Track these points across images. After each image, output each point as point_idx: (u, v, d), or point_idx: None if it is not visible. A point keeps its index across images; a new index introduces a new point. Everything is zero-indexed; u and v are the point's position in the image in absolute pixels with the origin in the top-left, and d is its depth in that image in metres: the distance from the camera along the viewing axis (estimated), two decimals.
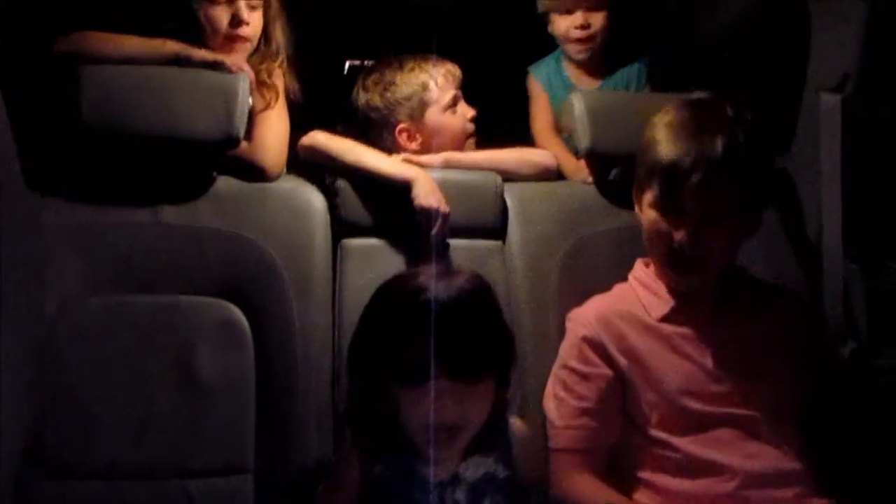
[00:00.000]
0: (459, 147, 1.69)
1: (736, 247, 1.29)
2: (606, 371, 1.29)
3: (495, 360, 1.15)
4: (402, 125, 1.67)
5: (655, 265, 1.34)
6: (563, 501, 1.27)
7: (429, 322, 1.09)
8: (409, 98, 1.67)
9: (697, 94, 1.34)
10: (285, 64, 1.67)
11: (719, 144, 1.20)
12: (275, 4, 1.63)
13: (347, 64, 2.06)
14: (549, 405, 1.33)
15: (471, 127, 1.71)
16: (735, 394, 1.26)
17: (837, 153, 1.48)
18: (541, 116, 1.89)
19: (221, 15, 1.56)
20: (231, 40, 1.58)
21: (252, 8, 1.59)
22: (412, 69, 1.68)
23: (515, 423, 1.25)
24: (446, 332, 1.09)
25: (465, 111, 1.71)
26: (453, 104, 1.69)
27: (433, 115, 1.68)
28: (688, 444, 1.25)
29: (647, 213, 1.29)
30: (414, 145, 1.67)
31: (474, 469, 1.18)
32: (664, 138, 1.25)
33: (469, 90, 1.74)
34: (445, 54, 1.73)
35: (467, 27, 2.00)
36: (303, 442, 1.35)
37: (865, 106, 1.46)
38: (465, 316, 1.12)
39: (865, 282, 1.49)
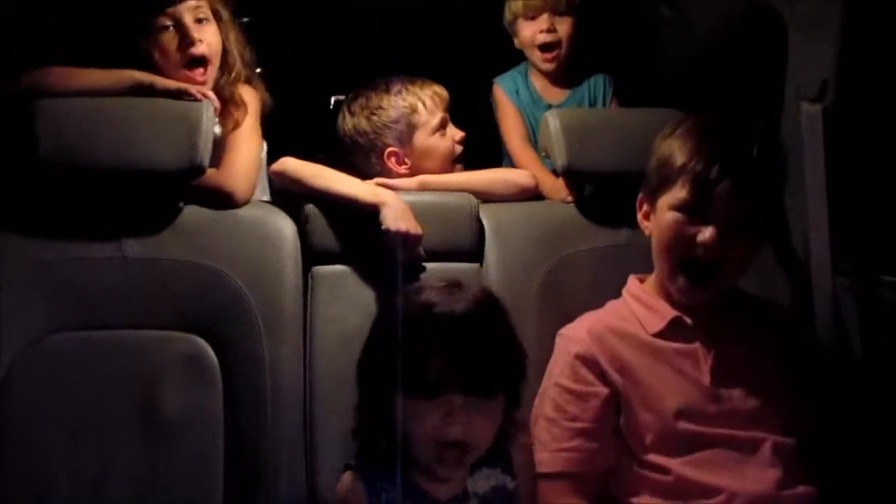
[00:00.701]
0: (448, 170, 1.66)
1: (750, 260, 1.27)
2: (601, 389, 1.25)
3: (508, 377, 1.14)
4: (390, 149, 1.65)
5: (665, 274, 1.29)
6: None
7: (443, 333, 1.10)
8: (396, 121, 1.65)
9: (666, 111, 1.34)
10: (253, 79, 1.64)
11: (753, 152, 1.22)
12: (224, 16, 1.58)
13: (333, 99, 2.06)
14: (539, 427, 1.28)
15: (459, 149, 1.69)
16: (733, 414, 1.23)
17: (821, 163, 1.47)
18: (514, 132, 1.88)
19: (170, 40, 1.51)
20: (191, 66, 1.53)
21: (199, 21, 1.53)
22: (399, 92, 1.66)
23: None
24: (460, 343, 1.09)
25: (454, 133, 1.69)
26: (442, 126, 1.67)
27: (422, 138, 1.66)
28: (681, 467, 1.21)
29: (666, 216, 1.25)
30: (403, 169, 1.65)
31: (484, 482, 1.17)
32: (695, 143, 1.24)
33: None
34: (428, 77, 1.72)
35: (444, 49, 1.99)
36: (274, 479, 1.31)
37: (847, 114, 1.44)
38: (478, 328, 1.11)
39: (856, 295, 1.46)
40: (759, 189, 1.22)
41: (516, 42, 1.90)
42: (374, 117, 1.65)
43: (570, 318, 1.36)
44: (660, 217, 1.27)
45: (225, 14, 1.59)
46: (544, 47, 1.85)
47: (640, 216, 1.33)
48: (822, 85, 1.44)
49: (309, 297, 1.45)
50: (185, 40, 1.51)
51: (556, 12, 1.81)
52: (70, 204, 1.43)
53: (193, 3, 1.53)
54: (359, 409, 1.18)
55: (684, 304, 1.28)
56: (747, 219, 1.21)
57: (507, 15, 1.88)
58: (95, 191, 1.43)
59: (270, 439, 1.32)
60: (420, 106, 1.65)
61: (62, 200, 1.43)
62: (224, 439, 1.32)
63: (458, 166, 1.70)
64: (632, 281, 1.37)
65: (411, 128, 1.65)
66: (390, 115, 1.65)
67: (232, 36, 1.60)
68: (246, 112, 1.58)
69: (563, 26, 1.82)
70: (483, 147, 1.89)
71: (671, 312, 1.29)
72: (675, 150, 1.25)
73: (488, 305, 1.15)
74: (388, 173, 1.63)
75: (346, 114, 1.69)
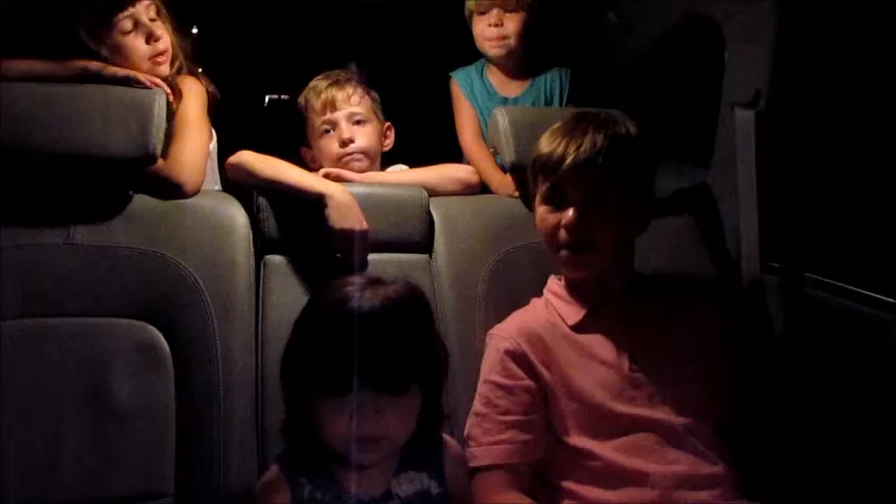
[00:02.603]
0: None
1: (618, 232, 1.32)
2: (530, 383, 1.29)
3: (420, 373, 1.13)
4: (303, 148, 1.75)
5: (554, 262, 1.37)
6: None
7: (351, 332, 1.07)
8: (301, 124, 1.75)
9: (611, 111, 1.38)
10: (195, 71, 1.65)
11: (588, 139, 1.30)
12: (164, 11, 1.61)
13: (267, 98, 2.07)
14: (471, 423, 1.31)
15: (341, 151, 1.70)
16: (652, 397, 1.29)
17: (753, 166, 1.53)
18: (466, 128, 1.91)
19: (139, 44, 1.55)
20: (154, 63, 1.56)
21: (152, 20, 1.57)
22: (304, 94, 1.74)
23: (449, 441, 1.24)
24: (368, 342, 1.07)
25: (340, 135, 1.70)
26: (328, 129, 1.71)
27: (314, 140, 1.74)
28: (609, 452, 1.26)
29: (538, 211, 1.36)
30: (315, 166, 1.71)
31: (408, 485, 1.16)
32: (545, 140, 1.35)
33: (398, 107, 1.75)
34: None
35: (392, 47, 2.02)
36: (225, 466, 1.31)
37: (778, 119, 1.51)
38: (387, 326, 1.10)
39: (783, 291, 1.53)
40: (603, 167, 1.28)
41: (474, 36, 1.93)
42: (295, 118, 1.75)
43: (516, 308, 1.40)
44: (536, 214, 1.37)
45: (164, 10, 1.61)
46: (493, 39, 1.89)
47: (535, 218, 1.39)
48: (756, 92, 1.50)
49: (261, 285, 1.46)
50: (150, 37, 1.56)
51: (504, 8, 1.86)
52: (18, 190, 1.41)
53: (146, 2, 1.56)
54: (284, 404, 1.18)
55: (578, 280, 1.35)
56: (599, 194, 1.29)
57: (466, 12, 1.93)
58: (45, 177, 1.41)
59: (222, 426, 1.32)
60: (308, 109, 1.73)
61: (10, 186, 1.40)
62: (175, 426, 1.32)
63: (354, 163, 1.70)
64: (552, 279, 1.42)
65: (308, 129, 1.74)
66: (297, 114, 1.74)
67: (172, 29, 1.62)
68: (194, 105, 1.59)
69: (512, 22, 1.87)
70: (446, 142, 1.93)
71: (587, 304, 1.35)
72: (539, 147, 1.35)
73: (404, 301, 1.13)
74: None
75: None
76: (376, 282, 1.15)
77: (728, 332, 1.38)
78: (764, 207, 1.53)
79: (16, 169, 1.40)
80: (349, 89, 1.71)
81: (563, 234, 1.31)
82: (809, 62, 1.46)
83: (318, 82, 1.73)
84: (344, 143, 1.69)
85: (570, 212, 1.29)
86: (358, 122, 1.71)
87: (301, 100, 1.75)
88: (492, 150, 1.70)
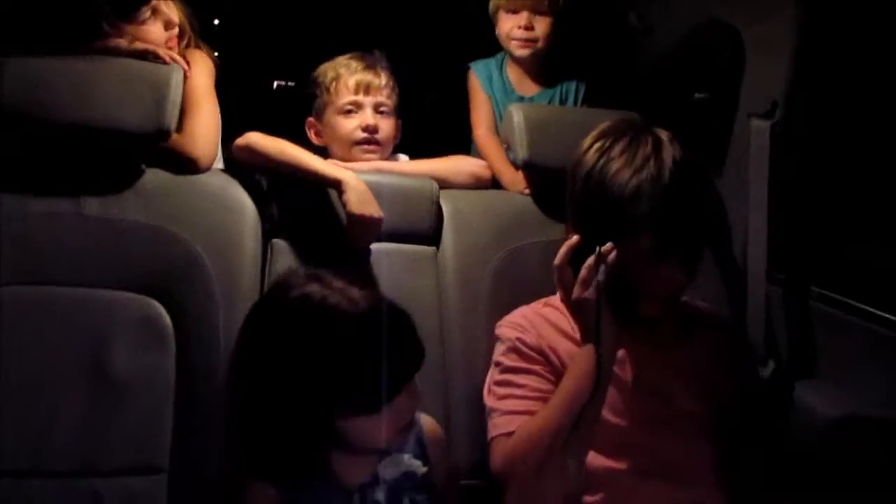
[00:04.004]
0: (349, 154, 1.68)
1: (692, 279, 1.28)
2: (545, 366, 1.28)
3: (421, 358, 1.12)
4: (309, 119, 1.72)
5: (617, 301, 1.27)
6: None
7: (370, 338, 1.03)
8: (317, 95, 1.71)
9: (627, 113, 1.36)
10: (201, 45, 1.64)
11: (676, 176, 1.21)
12: None
13: (275, 84, 2.06)
14: (492, 400, 1.29)
15: (360, 136, 1.67)
16: (654, 417, 1.26)
17: (765, 177, 1.52)
18: (481, 121, 1.90)
19: (156, 30, 1.53)
20: (169, 47, 1.55)
21: (165, 1, 1.55)
22: (333, 67, 1.70)
23: (425, 419, 1.23)
24: (390, 341, 1.03)
25: (364, 119, 1.67)
26: (350, 110, 1.68)
27: (329, 116, 1.70)
28: (602, 462, 1.24)
29: (628, 264, 1.23)
30: (319, 142, 1.71)
31: (393, 468, 1.16)
32: (617, 181, 1.22)
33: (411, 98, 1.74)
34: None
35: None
36: (221, 444, 1.30)
37: (793, 132, 1.51)
38: (393, 315, 1.08)
39: (787, 304, 1.53)
40: (696, 214, 1.23)
41: (496, 32, 1.92)
42: (310, 87, 1.71)
43: (520, 306, 1.39)
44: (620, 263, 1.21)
45: None
46: (520, 40, 1.87)
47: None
48: (773, 103, 1.50)
49: (267, 268, 1.46)
50: (168, 24, 1.54)
51: (536, 11, 1.84)
52: (30, 159, 1.41)
53: None
54: (253, 426, 1.09)
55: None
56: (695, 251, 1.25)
57: (491, 5, 1.91)
58: (57, 147, 1.41)
59: (221, 404, 1.31)
60: (334, 84, 1.68)
61: (23, 154, 1.41)
62: (173, 402, 1.32)
63: (363, 154, 1.68)
64: None
65: (324, 103, 1.70)
66: (316, 88, 1.70)
67: (175, 6, 1.61)
68: (204, 80, 1.58)
69: (542, 25, 1.85)
70: (455, 132, 1.92)
71: None
72: (604, 189, 1.22)
73: (385, 299, 1.10)
74: (311, 146, 1.65)
75: None
76: (328, 277, 1.08)
77: (735, 354, 1.37)
78: (774, 219, 1.52)
79: (30, 138, 1.40)
80: (384, 78, 1.70)
81: (658, 287, 1.24)
82: (828, 74, 1.46)
83: (352, 61, 1.70)
84: (367, 130, 1.67)
85: (679, 273, 1.21)
86: (381, 113, 1.70)
87: (326, 72, 1.71)
88: (505, 145, 1.70)
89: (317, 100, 1.71)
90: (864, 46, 1.42)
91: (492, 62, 1.96)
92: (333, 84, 1.68)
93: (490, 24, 1.93)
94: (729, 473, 1.29)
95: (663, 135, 1.25)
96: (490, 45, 1.96)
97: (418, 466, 1.17)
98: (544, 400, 1.25)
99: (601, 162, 1.24)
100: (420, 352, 1.10)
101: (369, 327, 1.04)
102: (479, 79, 1.94)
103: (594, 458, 1.25)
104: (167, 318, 1.36)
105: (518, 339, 1.30)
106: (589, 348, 1.21)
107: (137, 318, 1.35)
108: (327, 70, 1.70)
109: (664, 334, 1.32)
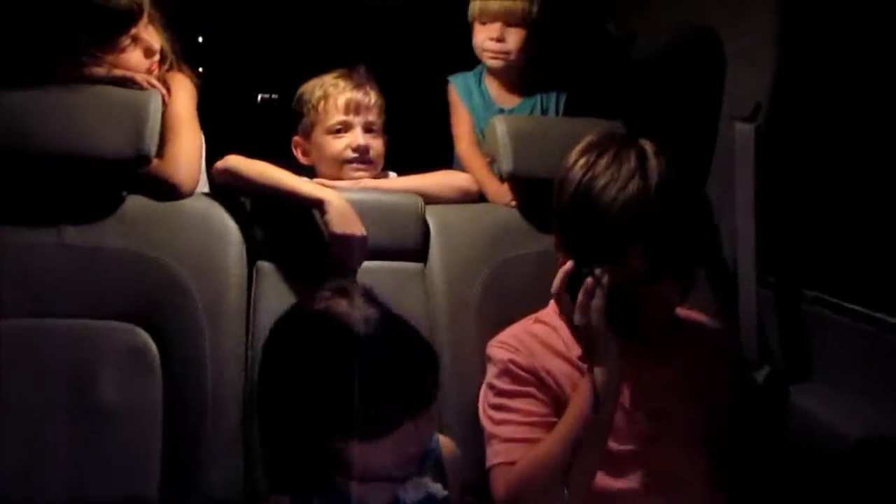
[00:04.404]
0: (339, 172, 1.66)
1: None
2: (539, 387, 1.27)
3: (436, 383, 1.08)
4: (296, 138, 1.70)
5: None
6: None
7: (382, 361, 1.00)
8: (305, 114, 1.69)
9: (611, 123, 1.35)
10: (183, 67, 1.62)
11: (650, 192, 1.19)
12: (153, 14, 1.56)
13: (259, 97, 2.06)
14: (491, 426, 1.28)
15: (350, 155, 1.66)
16: (653, 436, 1.25)
17: (751, 180, 1.51)
18: (463, 134, 1.90)
19: (136, 57, 1.51)
20: (149, 72, 1.53)
21: (145, 27, 1.53)
22: (318, 85, 1.68)
23: (443, 440, 1.21)
24: (400, 366, 1.01)
25: (353, 139, 1.66)
26: (340, 129, 1.67)
27: (318, 135, 1.68)
28: (602, 483, 1.23)
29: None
30: (306, 161, 1.69)
31: (414, 492, 1.13)
32: (613, 209, 1.20)
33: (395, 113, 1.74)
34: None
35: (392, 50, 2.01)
36: (211, 473, 1.30)
37: (777, 134, 1.50)
38: (409, 348, 1.05)
39: (779, 307, 1.52)
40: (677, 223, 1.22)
41: (473, 42, 1.91)
42: (296, 105, 1.69)
43: (510, 320, 1.38)
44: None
45: (154, 11, 1.56)
46: (492, 52, 1.87)
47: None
48: (756, 106, 1.49)
49: (253, 291, 1.44)
50: (148, 51, 1.52)
51: (508, 23, 1.83)
52: (8, 188, 1.40)
53: (143, 19, 1.52)
54: (275, 442, 1.08)
55: None
56: (687, 265, 1.24)
57: (469, 16, 1.90)
58: (37, 176, 1.40)
59: (209, 432, 1.31)
60: (322, 103, 1.67)
61: (1, 185, 1.39)
62: (162, 431, 1.31)
63: (354, 172, 1.67)
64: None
65: (312, 123, 1.68)
66: (303, 106, 1.68)
67: (155, 28, 1.58)
68: (185, 104, 1.57)
69: (514, 37, 1.84)
70: (435, 146, 1.92)
71: None
72: (612, 213, 1.19)
73: (397, 316, 1.06)
74: (297, 163, 1.65)
75: None
76: (346, 294, 1.05)
77: (730, 361, 1.36)
78: (761, 221, 1.51)
79: (8, 167, 1.39)
80: (373, 97, 1.68)
81: (653, 306, 1.22)
82: (810, 75, 1.45)
83: (339, 80, 1.68)
84: (358, 150, 1.66)
85: (667, 285, 1.20)
86: (371, 132, 1.68)
87: (313, 91, 1.69)
88: (488, 159, 1.69)
89: (303, 118, 1.69)
90: (846, 43, 1.42)
91: (470, 75, 1.95)
92: (322, 103, 1.66)
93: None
94: (729, 482, 1.27)
95: (648, 147, 1.23)
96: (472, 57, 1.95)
97: (439, 490, 1.14)
98: (542, 424, 1.23)
99: (587, 178, 1.22)
100: (432, 387, 1.06)
101: (374, 353, 1.00)
102: (458, 92, 1.93)
103: (600, 481, 1.23)
104: (153, 346, 1.35)
105: (510, 360, 1.29)
106: (594, 374, 1.19)
107: (122, 346, 1.34)
108: (314, 88, 1.68)
109: (658, 350, 1.30)
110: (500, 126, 1.59)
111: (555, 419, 1.24)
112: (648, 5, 1.79)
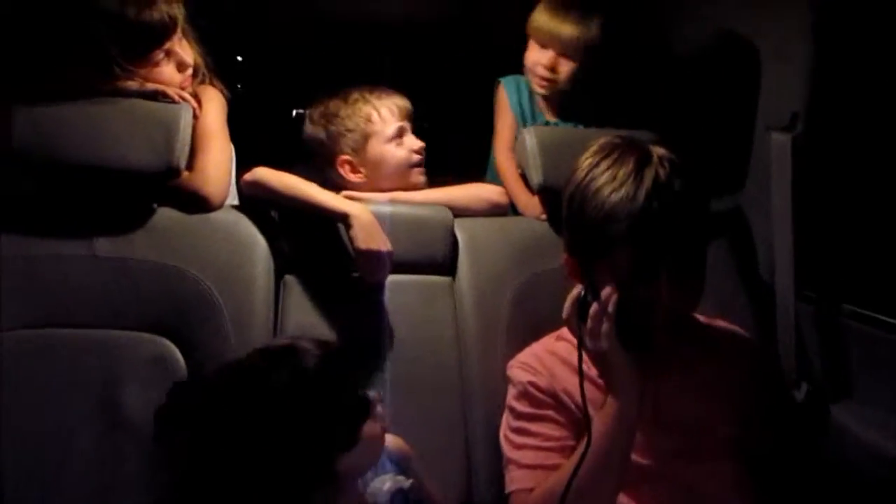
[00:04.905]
0: (405, 179, 1.66)
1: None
2: (559, 413, 1.24)
3: None
4: (343, 157, 1.66)
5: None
6: None
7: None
8: (352, 130, 1.66)
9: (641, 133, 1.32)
10: (214, 81, 1.64)
11: (678, 201, 1.17)
12: (186, 28, 1.57)
13: (294, 112, 2.07)
14: (509, 450, 1.26)
15: (416, 158, 1.68)
16: (679, 448, 1.21)
17: (788, 192, 1.48)
18: (504, 142, 1.84)
19: (169, 71, 1.53)
20: (182, 87, 1.55)
21: (179, 41, 1.54)
22: (356, 101, 1.67)
23: (388, 439, 1.20)
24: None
25: (412, 143, 1.68)
26: (398, 136, 1.67)
27: (376, 147, 1.66)
28: (630, 500, 1.20)
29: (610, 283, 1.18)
30: (357, 178, 1.66)
31: (383, 492, 1.15)
32: (621, 203, 1.17)
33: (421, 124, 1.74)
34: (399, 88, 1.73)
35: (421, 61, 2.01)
36: None
37: (816, 144, 1.47)
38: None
39: (819, 323, 1.48)
40: (694, 223, 1.19)
41: (525, 55, 1.84)
42: (331, 126, 1.66)
43: (540, 334, 1.36)
44: (601, 282, 1.18)
45: (187, 26, 1.57)
46: (541, 76, 1.80)
47: (568, 272, 1.27)
48: (793, 116, 1.46)
49: (280, 304, 1.44)
50: (181, 66, 1.54)
51: (563, 53, 1.77)
52: (42, 200, 1.42)
53: (176, 33, 1.53)
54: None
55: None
56: (693, 273, 1.19)
57: (528, 26, 1.81)
58: (68, 188, 1.42)
59: None
60: (375, 115, 1.66)
61: (34, 196, 1.42)
62: None
63: (417, 173, 1.68)
64: None
65: (365, 137, 1.66)
66: (346, 123, 1.66)
67: (189, 42, 1.60)
68: (216, 117, 1.58)
69: (566, 67, 1.78)
70: (470, 153, 1.91)
71: None
72: (592, 196, 1.18)
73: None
74: (343, 181, 1.64)
75: (308, 122, 1.71)
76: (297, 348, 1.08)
77: (766, 373, 1.32)
78: (799, 234, 1.47)
79: (42, 180, 1.42)
80: (409, 105, 1.71)
81: (648, 312, 1.18)
82: (848, 84, 1.42)
83: (374, 91, 1.68)
84: (419, 152, 1.68)
85: (664, 288, 1.14)
86: (416, 134, 1.71)
87: (357, 106, 1.67)
88: (519, 170, 1.67)
89: (348, 135, 1.66)
90: (885, 46, 1.38)
91: (522, 80, 1.88)
92: (375, 115, 1.66)
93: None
94: (764, 501, 1.23)
95: (656, 153, 1.20)
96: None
97: (402, 481, 1.18)
98: (560, 449, 1.22)
99: (586, 179, 1.21)
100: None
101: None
102: (507, 95, 1.87)
103: (620, 497, 1.20)
104: (179, 357, 1.35)
105: (530, 382, 1.27)
106: (612, 401, 1.17)
107: (150, 357, 1.34)
108: (357, 103, 1.67)
109: (681, 361, 1.27)
110: (529, 137, 1.57)
111: (573, 442, 1.22)
112: (680, 13, 1.76)
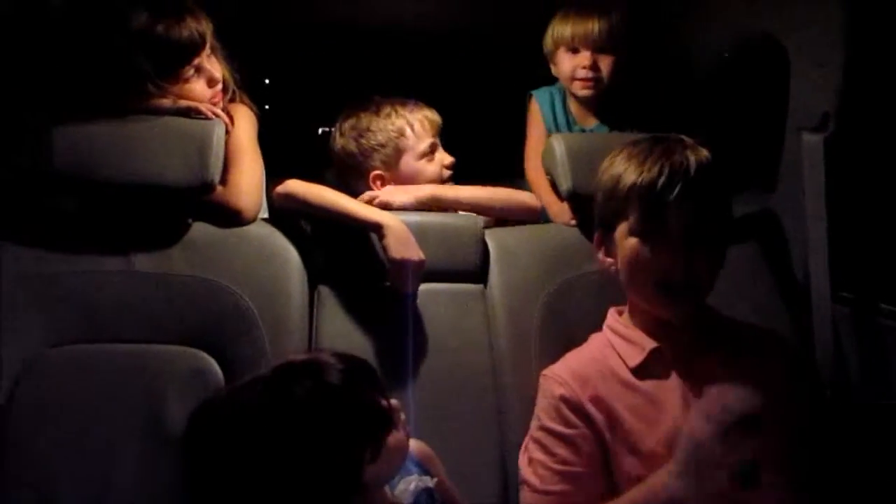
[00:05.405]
0: None
1: (715, 273, 1.25)
2: (587, 432, 1.22)
3: None
4: (375, 171, 1.67)
5: (645, 301, 1.27)
6: None
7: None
8: (384, 145, 1.67)
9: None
10: (244, 98, 1.65)
11: (692, 160, 1.22)
12: (216, 45, 1.59)
13: (320, 130, 2.09)
14: (526, 466, 1.26)
15: (447, 174, 1.69)
16: None
17: (821, 192, 1.47)
18: (535, 152, 1.81)
19: (200, 87, 1.54)
20: (212, 103, 1.56)
21: (208, 57, 1.56)
22: (388, 115, 1.68)
23: (413, 443, 1.20)
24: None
25: (443, 158, 1.70)
26: (430, 151, 1.68)
27: (408, 163, 1.68)
28: None
29: (626, 244, 1.25)
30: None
31: (408, 492, 1.16)
32: (635, 164, 1.25)
33: (450, 136, 1.75)
34: (426, 100, 1.74)
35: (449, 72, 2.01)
36: None
37: (848, 144, 1.45)
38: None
39: (857, 324, 1.46)
40: (711, 193, 1.21)
41: (553, 70, 1.85)
42: (362, 139, 1.67)
43: (572, 343, 1.35)
44: (621, 246, 1.25)
45: (216, 43, 1.59)
46: (584, 80, 1.79)
47: (599, 255, 1.31)
48: (824, 115, 1.45)
49: (315, 315, 1.46)
50: (212, 81, 1.55)
51: (598, 49, 1.77)
52: (80, 217, 1.45)
53: (206, 49, 1.55)
54: None
55: (671, 324, 1.25)
56: (706, 226, 1.20)
57: (548, 42, 1.82)
58: (105, 205, 1.45)
59: None
60: (408, 130, 1.67)
61: (72, 213, 1.45)
62: None
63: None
64: (611, 314, 1.34)
65: (398, 152, 1.67)
66: (378, 138, 1.66)
67: (219, 59, 1.61)
68: (247, 133, 1.60)
69: (606, 63, 1.77)
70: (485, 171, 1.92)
71: (650, 343, 1.26)
72: (620, 177, 1.25)
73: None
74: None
75: (338, 134, 1.72)
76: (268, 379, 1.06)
77: (801, 372, 1.30)
78: (833, 234, 1.46)
79: (80, 197, 1.44)
80: (440, 118, 1.72)
81: (663, 271, 1.21)
82: (880, 83, 1.40)
83: (407, 106, 1.69)
84: (449, 167, 1.70)
85: (675, 247, 1.19)
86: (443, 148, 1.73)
87: (390, 120, 1.67)
88: (548, 177, 1.67)
89: (381, 150, 1.67)
90: None
91: (555, 91, 1.88)
92: (408, 130, 1.67)
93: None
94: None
95: (680, 146, 1.24)
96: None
97: (427, 480, 1.19)
98: (571, 476, 1.21)
99: (607, 164, 1.30)
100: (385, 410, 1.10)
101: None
102: (539, 107, 1.87)
103: None
104: (217, 370, 1.37)
105: (561, 397, 1.25)
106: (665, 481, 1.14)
107: (189, 371, 1.36)
108: (390, 117, 1.67)
109: (722, 358, 1.25)
110: (557, 145, 1.57)
111: (585, 470, 1.21)
112: (709, 14, 1.75)
